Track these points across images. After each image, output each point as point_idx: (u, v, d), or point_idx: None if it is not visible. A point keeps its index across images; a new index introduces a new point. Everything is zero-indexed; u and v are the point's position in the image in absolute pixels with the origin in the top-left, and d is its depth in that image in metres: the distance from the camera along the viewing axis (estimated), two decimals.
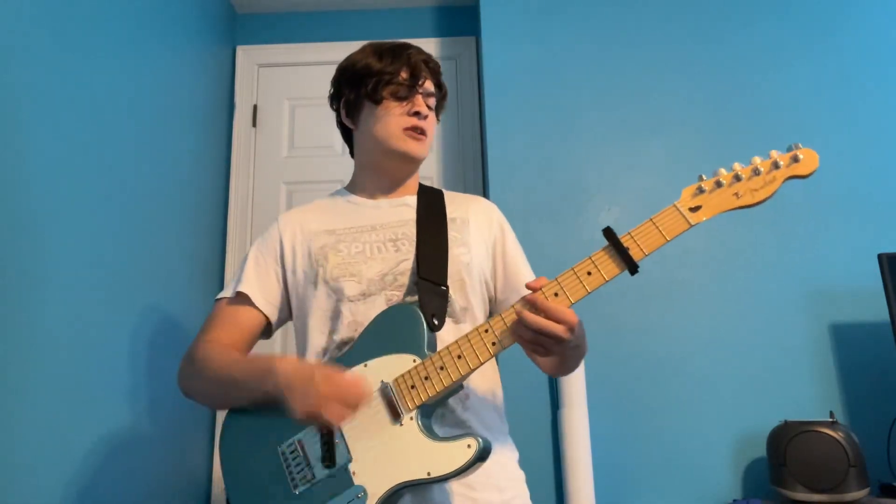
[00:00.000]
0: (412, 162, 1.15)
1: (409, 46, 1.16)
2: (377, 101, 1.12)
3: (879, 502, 1.49)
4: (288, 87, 2.41)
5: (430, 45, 2.44)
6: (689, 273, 1.86)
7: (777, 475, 1.54)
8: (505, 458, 1.05)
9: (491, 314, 1.16)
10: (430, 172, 2.29)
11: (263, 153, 2.36)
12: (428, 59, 1.16)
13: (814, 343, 1.80)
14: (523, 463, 1.10)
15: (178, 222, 1.87)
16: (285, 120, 2.39)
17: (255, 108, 2.40)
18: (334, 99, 1.21)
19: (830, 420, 1.54)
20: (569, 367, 1.10)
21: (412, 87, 1.12)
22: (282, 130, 2.38)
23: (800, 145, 0.83)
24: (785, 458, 1.52)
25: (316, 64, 2.37)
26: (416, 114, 1.11)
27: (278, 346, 2.14)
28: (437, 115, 1.22)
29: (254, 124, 2.39)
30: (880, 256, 1.63)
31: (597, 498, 1.63)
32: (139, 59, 1.68)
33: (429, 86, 1.15)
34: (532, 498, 1.07)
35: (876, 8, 2.06)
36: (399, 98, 1.11)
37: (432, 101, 1.17)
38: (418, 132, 1.12)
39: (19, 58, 1.21)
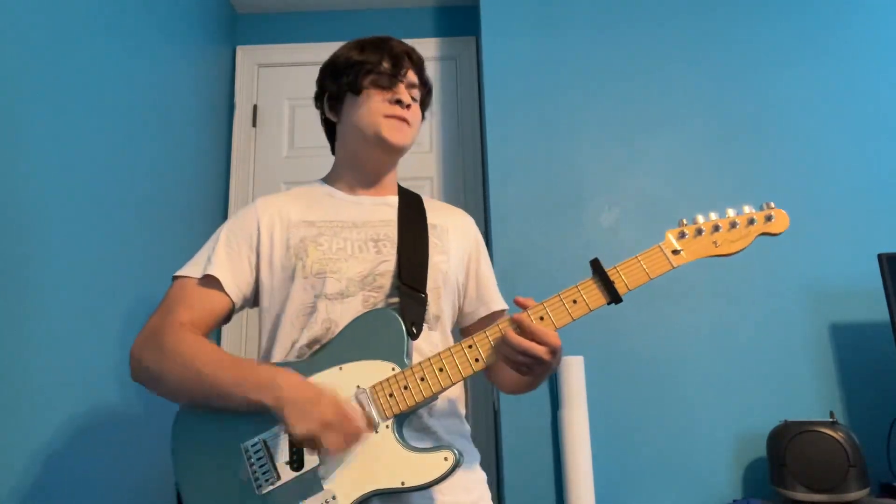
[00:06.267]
0: (392, 151, 1.11)
1: (390, 39, 1.15)
2: (358, 91, 1.10)
3: (879, 502, 1.49)
4: (288, 87, 2.41)
5: (430, 45, 2.44)
6: (689, 273, 1.85)
7: (777, 475, 1.54)
8: (468, 462, 1.05)
9: (457, 324, 1.18)
10: (430, 172, 2.27)
11: (263, 153, 2.36)
12: (410, 52, 1.15)
13: (814, 343, 1.80)
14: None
15: (177, 222, 1.87)
16: (285, 120, 2.39)
17: (255, 108, 2.40)
18: (318, 98, 1.21)
19: (830, 420, 1.54)
20: (534, 386, 1.11)
21: (394, 76, 1.10)
22: (282, 130, 2.38)
23: (772, 205, 0.95)
24: (785, 458, 1.52)
25: (316, 64, 2.31)
26: (399, 102, 1.09)
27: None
28: (423, 112, 1.20)
29: (254, 124, 2.39)
30: (880, 256, 1.63)
31: (597, 498, 1.63)
32: (139, 58, 1.69)
33: (411, 77, 1.14)
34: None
35: (876, 8, 2.06)
36: (380, 86, 1.10)
37: (416, 93, 1.15)
38: (400, 120, 1.10)
39: (19, 58, 1.21)
